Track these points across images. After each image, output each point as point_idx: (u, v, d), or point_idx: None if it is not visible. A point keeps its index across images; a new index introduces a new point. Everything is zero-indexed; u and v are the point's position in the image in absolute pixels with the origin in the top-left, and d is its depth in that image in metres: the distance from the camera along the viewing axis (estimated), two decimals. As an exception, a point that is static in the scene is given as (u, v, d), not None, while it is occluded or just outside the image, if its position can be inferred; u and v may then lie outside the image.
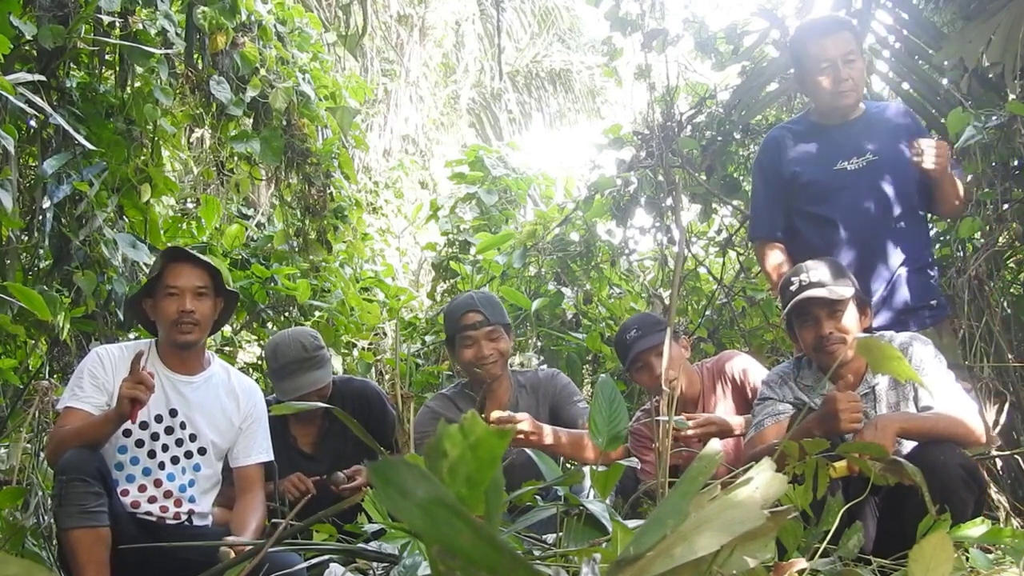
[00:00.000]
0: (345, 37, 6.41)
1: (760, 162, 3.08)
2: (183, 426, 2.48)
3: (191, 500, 2.48)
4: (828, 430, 2.09)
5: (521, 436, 2.57)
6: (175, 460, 2.46)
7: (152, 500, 2.42)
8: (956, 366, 2.67)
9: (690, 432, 2.70)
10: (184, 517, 2.46)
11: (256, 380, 5.51)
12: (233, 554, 2.12)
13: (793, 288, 2.40)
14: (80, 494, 2.16)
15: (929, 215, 3.00)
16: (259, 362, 5.54)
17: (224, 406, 2.56)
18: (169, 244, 2.64)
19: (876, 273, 2.78)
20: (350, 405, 2.94)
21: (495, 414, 2.61)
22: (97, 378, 2.41)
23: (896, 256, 2.78)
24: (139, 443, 2.43)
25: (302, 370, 2.89)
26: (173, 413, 2.48)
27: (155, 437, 2.45)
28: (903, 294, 2.78)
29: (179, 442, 2.48)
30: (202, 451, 2.51)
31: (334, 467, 2.92)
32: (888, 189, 2.79)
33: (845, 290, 2.35)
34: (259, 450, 2.61)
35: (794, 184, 2.90)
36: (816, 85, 2.86)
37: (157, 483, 2.43)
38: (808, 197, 2.88)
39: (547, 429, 2.66)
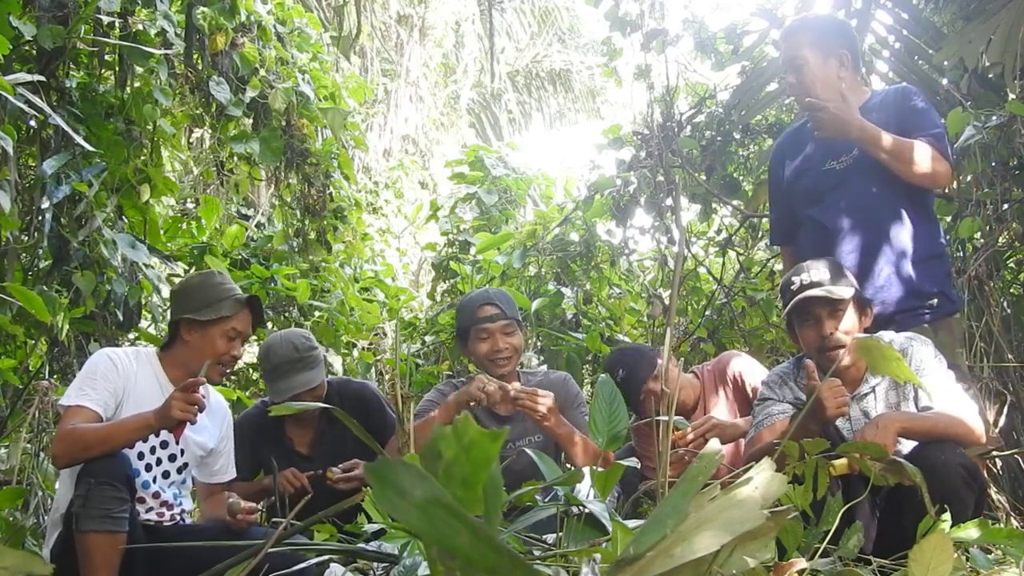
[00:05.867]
0: (339, 39, 6.39)
1: (769, 171, 3.08)
2: (177, 441, 2.52)
3: (179, 504, 2.56)
4: (820, 421, 2.10)
5: (540, 414, 2.60)
6: (166, 475, 2.52)
7: (149, 510, 2.47)
8: (955, 366, 2.60)
9: (691, 436, 2.70)
10: (178, 518, 2.54)
11: (255, 380, 5.55)
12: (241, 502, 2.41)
13: (794, 288, 2.40)
14: (107, 498, 2.16)
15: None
16: (259, 362, 5.53)
17: (206, 423, 2.62)
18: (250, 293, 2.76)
19: (872, 270, 2.68)
20: (348, 407, 2.93)
21: (514, 385, 2.63)
22: (110, 381, 2.40)
23: (891, 251, 2.67)
24: (140, 456, 2.46)
25: (294, 370, 2.90)
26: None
27: (153, 451, 2.50)
28: (896, 290, 2.66)
29: (172, 457, 2.53)
30: (186, 464, 2.58)
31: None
32: (874, 183, 2.68)
33: (845, 290, 2.35)
34: (234, 465, 2.76)
35: (795, 189, 2.87)
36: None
37: (155, 496, 2.48)
38: (807, 201, 2.82)
39: (562, 418, 2.71)
